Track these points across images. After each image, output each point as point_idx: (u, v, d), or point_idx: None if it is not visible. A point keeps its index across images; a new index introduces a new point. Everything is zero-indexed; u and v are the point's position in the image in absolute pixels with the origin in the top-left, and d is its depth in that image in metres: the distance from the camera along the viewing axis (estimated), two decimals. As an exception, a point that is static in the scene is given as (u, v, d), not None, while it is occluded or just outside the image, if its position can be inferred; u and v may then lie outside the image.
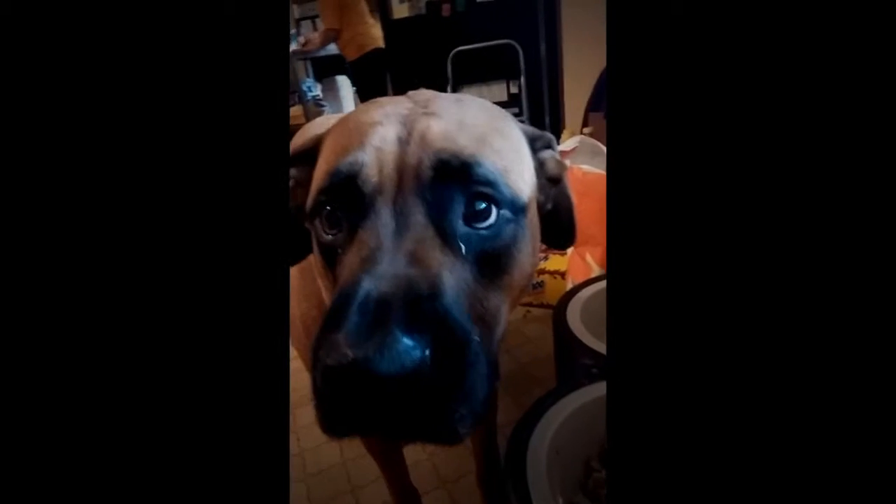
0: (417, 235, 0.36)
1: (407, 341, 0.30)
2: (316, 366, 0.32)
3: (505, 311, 0.41)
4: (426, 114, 0.41)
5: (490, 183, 0.38)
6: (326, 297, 0.50)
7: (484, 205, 0.38)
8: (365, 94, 3.17)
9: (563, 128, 2.48)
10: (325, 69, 3.91)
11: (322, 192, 0.40)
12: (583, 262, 1.17)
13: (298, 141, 1.21)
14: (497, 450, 0.84)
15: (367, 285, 0.32)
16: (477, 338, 0.34)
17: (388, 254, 0.35)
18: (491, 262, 0.39)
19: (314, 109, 3.64)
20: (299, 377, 1.36)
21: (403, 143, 0.39)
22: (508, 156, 0.42)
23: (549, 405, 0.66)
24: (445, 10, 2.51)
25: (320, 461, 1.19)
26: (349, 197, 0.38)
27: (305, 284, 0.62)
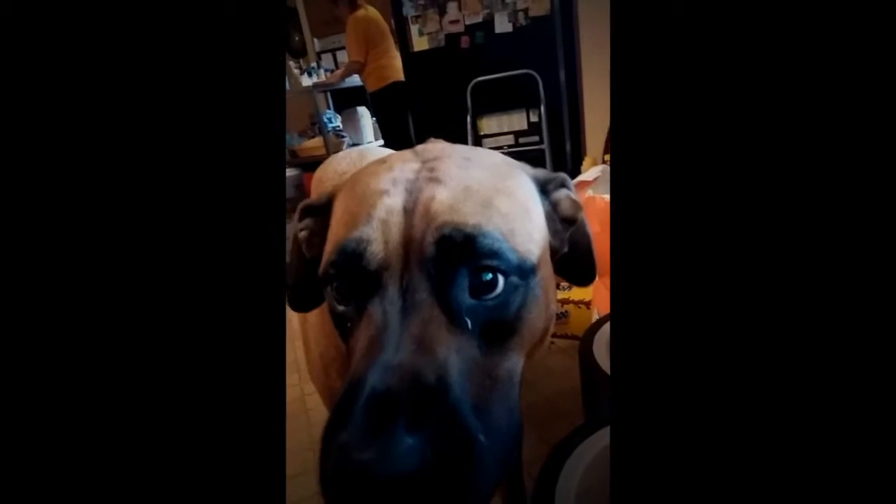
0: (423, 316, 0.37)
1: (409, 442, 0.31)
2: (323, 462, 0.33)
3: (519, 370, 0.41)
4: (431, 179, 0.41)
5: (495, 253, 0.38)
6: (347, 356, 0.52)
7: (490, 276, 0.38)
8: (385, 124, 3.27)
9: (585, 155, 2.50)
10: (345, 101, 4.05)
11: (331, 265, 0.41)
12: (607, 291, 1.16)
13: (320, 175, 1.24)
14: (523, 489, 0.83)
15: (373, 380, 0.33)
16: (482, 436, 0.34)
17: (395, 338, 0.36)
18: (500, 330, 0.39)
19: (334, 140, 3.75)
20: (320, 410, 1.35)
21: (409, 213, 0.39)
22: (515, 217, 0.42)
23: (576, 443, 0.66)
24: (464, 41, 2.59)
25: None
26: (356, 273, 0.39)
27: (325, 323, 0.63)
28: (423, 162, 0.44)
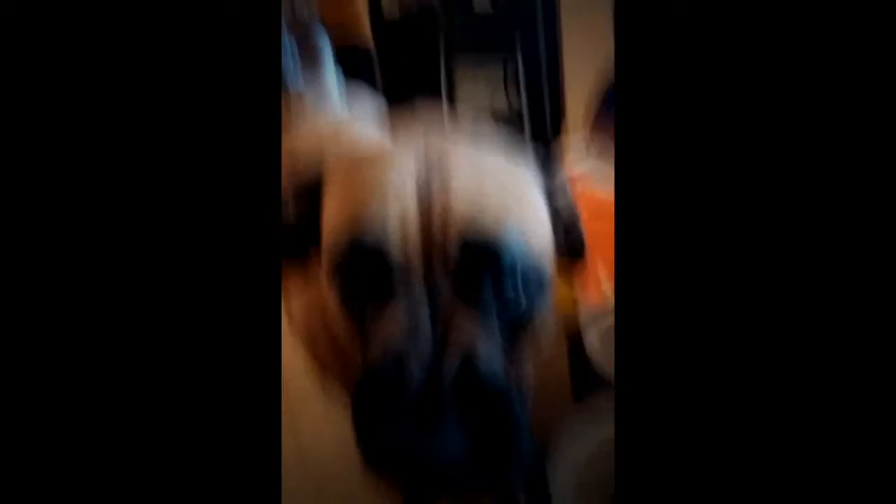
0: (453, 316, 0.39)
1: (461, 434, 0.35)
2: (375, 452, 0.37)
3: (530, 378, 0.45)
4: (443, 177, 0.42)
5: (515, 259, 0.41)
6: (343, 339, 0.54)
7: (511, 280, 0.41)
8: (351, 82, 3.15)
9: (563, 116, 2.48)
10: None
11: (342, 255, 0.42)
12: (595, 279, 1.21)
13: (294, 143, 1.21)
14: (512, 486, 0.88)
15: (418, 377, 0.36)
16: (518, 408, 0.39)
17: (428, 337, 0.38)
18: (519, 335, 0.43)
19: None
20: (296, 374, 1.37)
21: (424, 213, 0.41)
22: (529, 220, 0.44)
23: (569, 438, 0.71)
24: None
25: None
26: (375, 269, 0.41)
27: (307, 286, 0.64)
28: (428, 154, 0.45)
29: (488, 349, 0.39)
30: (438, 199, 0.41)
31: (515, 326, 0.42)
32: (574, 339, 0.94)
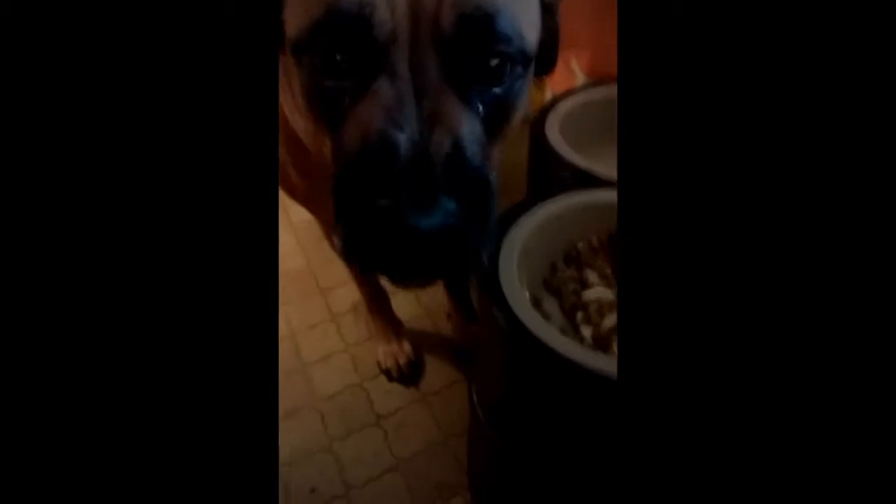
0: (438, 96, 0.38)
1: (447, 203, 0.35)
2: (350, 218, 0.37)
3: (498, 156, 0.46)
4: None
5: (509, 39, 0.39)
6: (306, 137, 0.52)
7: (498, 61, 0.40)
8: None
9: None
10: None
11: (319, 29, 0.38)
12: (566, 68, 1.16)
13: None
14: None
15: (404, 151, 0.36)
16: (495, 190, 0.40)
17: (412, 115, 0.37)
18: (499, 117, 0.42)
19: None
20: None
21: None
22: (522, 3, 0.42)
23: (523, 212, 0.76)
24: None
25: (287, 265, 1.31)
26: (357, 42, 0.37)
27: None
28: None
29: (472, 134, 0.39)
30: None
31: (497, 114, 0.42)
32: (538, 129, 0.94)
